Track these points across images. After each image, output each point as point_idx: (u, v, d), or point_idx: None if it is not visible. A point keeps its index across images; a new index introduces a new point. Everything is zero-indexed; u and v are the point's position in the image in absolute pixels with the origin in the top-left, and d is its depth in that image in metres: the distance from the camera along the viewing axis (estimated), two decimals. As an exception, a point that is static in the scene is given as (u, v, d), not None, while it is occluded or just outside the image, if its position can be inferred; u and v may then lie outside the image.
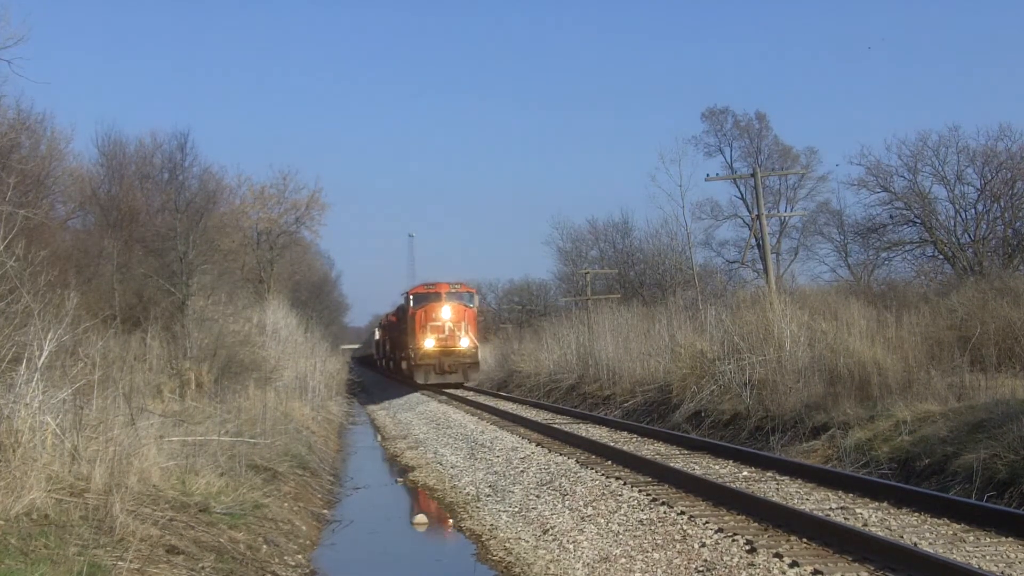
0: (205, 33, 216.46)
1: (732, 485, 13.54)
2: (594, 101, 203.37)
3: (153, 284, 28.54)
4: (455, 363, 46.04)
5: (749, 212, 60.45)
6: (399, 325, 55.98)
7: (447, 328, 45.87)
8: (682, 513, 12.24)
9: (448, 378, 45.88)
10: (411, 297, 48.46)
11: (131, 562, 9.14)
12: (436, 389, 45.46)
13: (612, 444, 18.75)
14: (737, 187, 63.49)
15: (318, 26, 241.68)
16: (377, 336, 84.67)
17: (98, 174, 39.50)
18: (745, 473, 15.11)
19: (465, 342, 46.24)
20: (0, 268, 13.75)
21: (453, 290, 47.79)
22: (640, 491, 13.98)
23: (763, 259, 41.44)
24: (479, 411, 30.69)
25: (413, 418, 34.39)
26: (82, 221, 36.85)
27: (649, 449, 18.49)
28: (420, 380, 45.89)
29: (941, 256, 44.96)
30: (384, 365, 74.26)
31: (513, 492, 16.37)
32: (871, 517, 11.34)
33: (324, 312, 78.73)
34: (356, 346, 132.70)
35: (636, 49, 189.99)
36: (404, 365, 52.00)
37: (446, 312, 46.05)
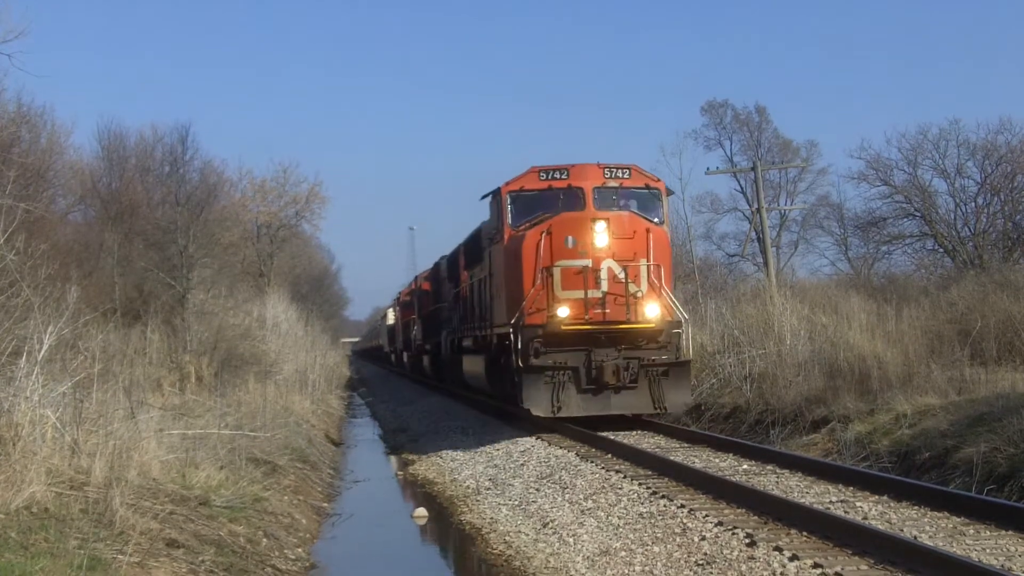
0: (206, 26, 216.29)
1: (732, 478, 13.54)
2: (594, 95, 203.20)
3: (153, 277, 28.56)
4: (632, 361, 19.47)
5: (749, 205, 60.34)
6: (445, 289, 33.41)
7: (605, 274, 19.33)
8: (682, 506, 12.24)
9: (615, 402, 19.56)
10: (507, 200, 21.32)
11: (131, 555, 9.14)
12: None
13: (612, 437, 18.74)
14: (737, 180, 63.41)
15: (319, 17, 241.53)
16: (391, 320, 64.02)
17: (99, 167, 39.49)
18: (745, 466, 15.11)
19: (653, 310, 19.46)
20: (0, 261, 13.75)
21: (612, 181, 21.01)
22: (640, 484, 13.98)
23: (763, 252, 41.45)
24: (478, 405, 30.65)
25: (412, 412, 34.37)
26: (83, 215, 36.87)
27: (649, 442, 18.48)
28: (538, 408, 19.32)
29: (941, 250, 44.94)
30: (405, 361, 53.78)
31: (513, 485, 16.37)
32: (871, 510, 11.33)
33: (324, 306, 78.60)
34: (356, 339, 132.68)
35: (635, 44, 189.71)
36: (473, 366, 26.05)
37: (601, 235, 19.32)
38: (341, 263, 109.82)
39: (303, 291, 62.70)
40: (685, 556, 10.31)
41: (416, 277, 48.19)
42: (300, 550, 12.81)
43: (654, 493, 13.22)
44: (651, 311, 19.35)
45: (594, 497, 13.81)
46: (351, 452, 26.58)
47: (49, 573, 8.26)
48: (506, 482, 16.84)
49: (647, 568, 10.32)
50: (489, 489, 16.79)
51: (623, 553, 11.01)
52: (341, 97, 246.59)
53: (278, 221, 55.23)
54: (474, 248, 26.06)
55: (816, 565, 9.13)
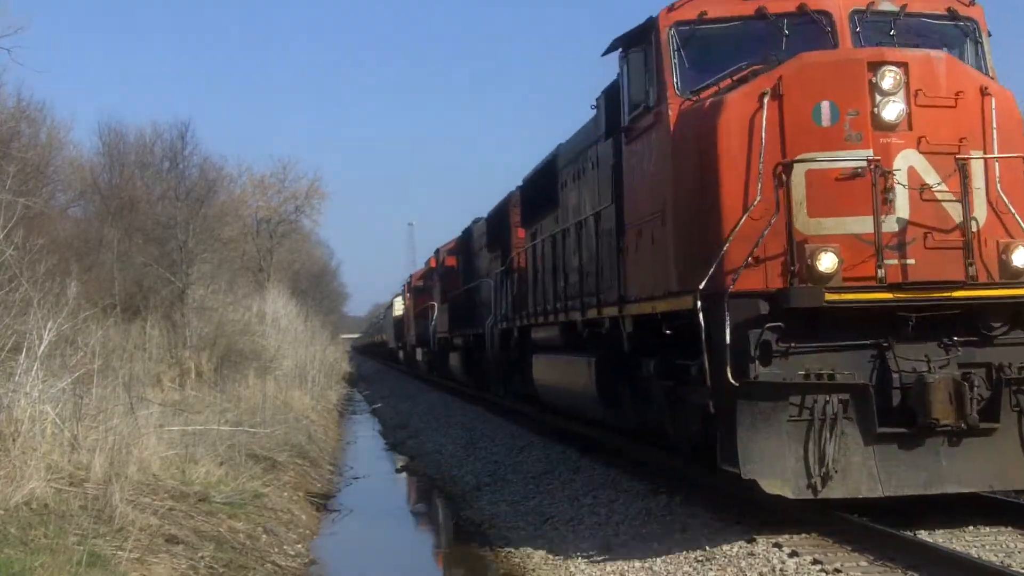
0: (207, 23, 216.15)
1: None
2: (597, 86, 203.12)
3: (153, 273, 28.54)
4: (976, 372, 9.57)
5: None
6: (482, 262, 27.06)
7: (905, 178, 9.67)
8: (683, 503, 12.21)
9: (951, 466, 9.49)
10: (672, 38, 10.97)
11: (131, 551, 9.15)
12: None
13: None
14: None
15: (320, 13, 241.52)
16: (399, 310, 54.74)
17: (98, 163, 39.48)
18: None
19: (1020, 257, 9.69)
20: (-1, 256, 13.76)
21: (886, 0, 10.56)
22: (640, 480, 13.94)
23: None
24: (479, 402, 30.66)
25: (412, 408, 34.37)
26: (82, 210, 36.83)
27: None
28: (778, 480, 9.41)
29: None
30: (420, 359, 44.76)
31: (513, 481, 16.37)
32: (870, 507, 11.27)
33: (324, 301, 78.57)
34: (356, 335, 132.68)
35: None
36: (563, 375, 16.45)
37: (893, 100, 9.63)
38: (340, 259, 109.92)
39: (302, 287, 62.73)
40: (685, 552, 10.27)
41: (437, 251, 37.43)
42: (300, 546, 12.81)
43: (654, 490, 13.19)
44: (1018, 259, 9.85)
45: (594, 493, 13.81)
46: (351, 448, 26.58)
47: (49, 569, 8.26)
48: (506, 478, 16.75)
49: (647, 564, 10.29)
50: (489, 485, 16.76)
51: (623, 550, 10.96)
52: (342, 95, 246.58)
53: (277, 216, 55.26)
54: (543, 188, 17.95)
55: (816, 561, 9.11)
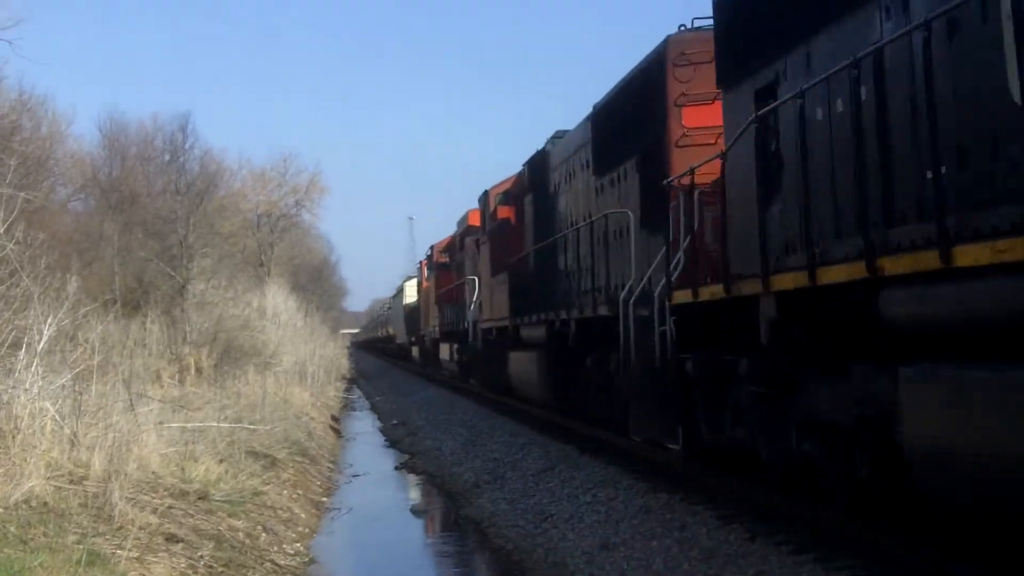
0: (208, 15, 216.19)
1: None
2: (603, 81, 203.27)
3: (153, 268, 28.54)
4: None
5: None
6: (572, 197, 17.42)
7: None
8: (683, 500, 12.17)
9: None
10: None
11: (130, 550, 9.12)
12: None
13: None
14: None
15: (321, 7, 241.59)
16: (410, 297, 44.71)
17: (99, 156, 39.53)
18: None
19: None
20: (0, 251, 13.72)
21: None
22: (640, 478, 13.90)
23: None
24: (479, 397, 30.67)
25: (411, 404, 34.37)
26: (83, 204, 36.87)
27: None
28: None
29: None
30: (447, 359, 34.27)
31: (513, 479, 16.35)
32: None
33: (323, 296, 78.53)
34: (356, 330, 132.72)
35: (637, 36, 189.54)
36: None
37: None
38: (340, 254, 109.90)
39: (302, 282, 62.77)
40: (686, 551, 10.24)
41: (485, 194, 25.52)
42: (299, 545, 12.78)
43: (655, 488, 13.14)
44: None
45: (594, 491, 13.77)
46: (350, 445, 26.56)
47: (48, 568, 8.24)
48: (505, 476, 16.74)
49: (647, 562, 10.27)
50: (489, 483, 16.75)
51: (622, 548, 10.95)
52: (343, 88, 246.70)
53: (278, 211, 55.30)
54: None
55: (817, 560, 9.06)
